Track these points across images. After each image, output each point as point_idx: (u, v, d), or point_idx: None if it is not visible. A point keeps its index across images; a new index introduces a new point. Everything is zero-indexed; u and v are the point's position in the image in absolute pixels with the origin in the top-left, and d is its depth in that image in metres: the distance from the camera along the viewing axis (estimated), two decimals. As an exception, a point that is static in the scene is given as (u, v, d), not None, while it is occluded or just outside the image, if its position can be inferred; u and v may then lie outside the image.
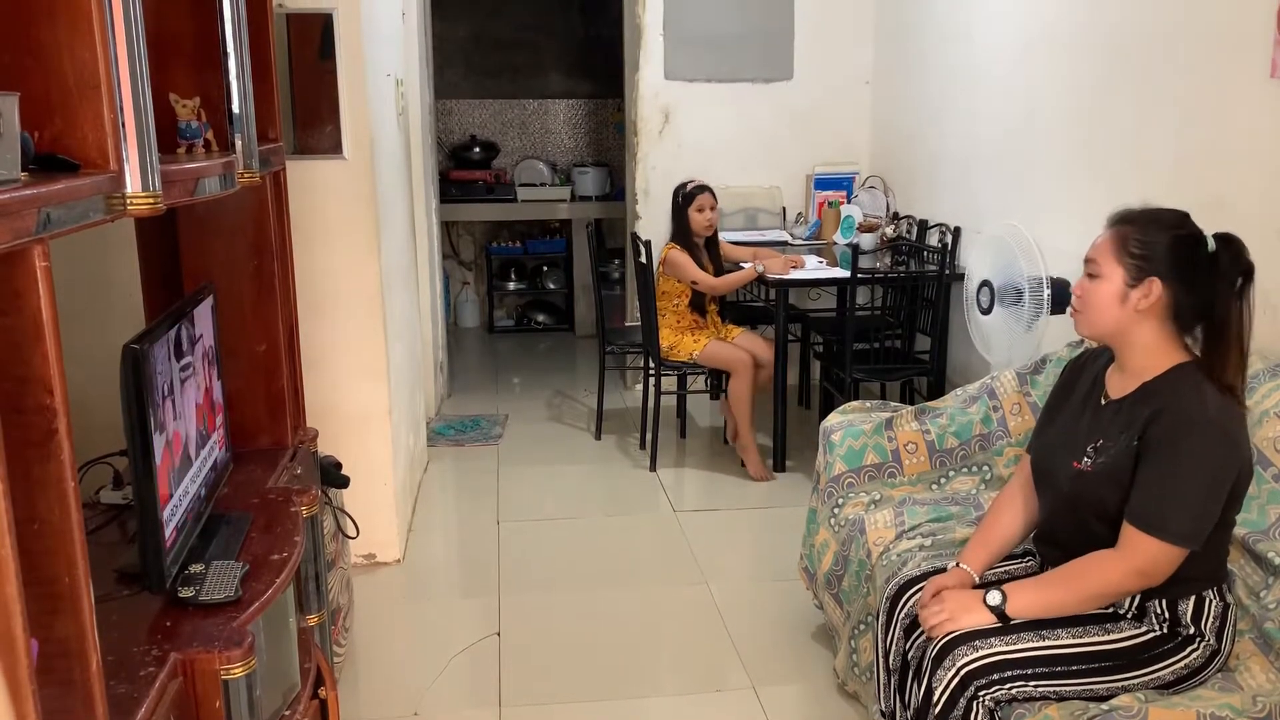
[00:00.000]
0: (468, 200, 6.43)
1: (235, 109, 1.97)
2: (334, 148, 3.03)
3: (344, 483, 2.79)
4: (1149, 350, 1.85)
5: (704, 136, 5.11)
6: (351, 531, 2.80)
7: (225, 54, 1.95)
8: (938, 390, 4.02)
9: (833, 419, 2.96)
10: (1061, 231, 3.31)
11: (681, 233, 4.18)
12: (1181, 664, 1.84)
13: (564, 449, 4.54)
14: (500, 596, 3.21)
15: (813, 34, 5.11)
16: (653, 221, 5.02)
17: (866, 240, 4.55)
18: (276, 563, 1.89)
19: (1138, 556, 1.78)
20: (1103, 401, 1.94)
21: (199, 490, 1.95)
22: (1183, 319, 1.83)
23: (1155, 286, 1.80)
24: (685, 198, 4.18)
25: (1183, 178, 2.82)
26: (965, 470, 2.75)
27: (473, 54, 6.76)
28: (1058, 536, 2.00)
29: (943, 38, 4.40)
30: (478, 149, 6.68)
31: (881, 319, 4.33)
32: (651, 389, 4.32)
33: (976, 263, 3.37)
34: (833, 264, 4.40)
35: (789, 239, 4.99)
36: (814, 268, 4.28)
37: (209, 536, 1.94)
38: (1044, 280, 3.08)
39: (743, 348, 4.16)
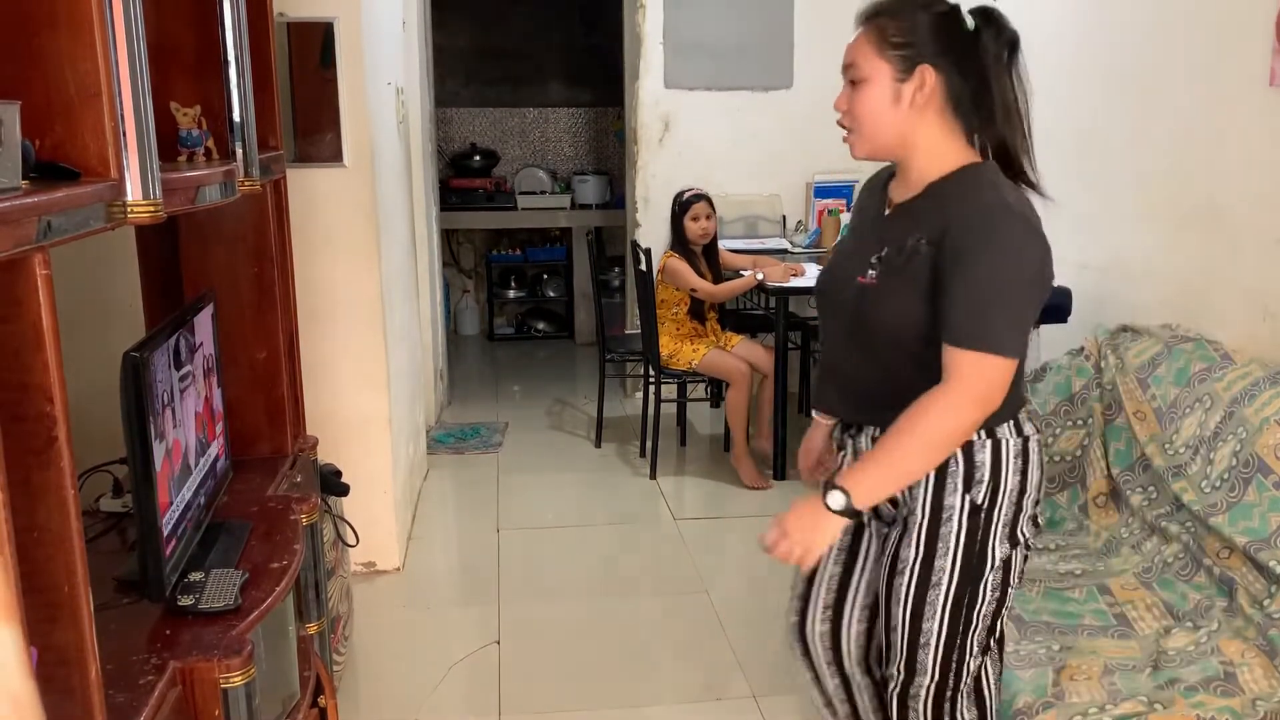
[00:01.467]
0: (468, 208, 6.43)
1: (236, 117, 1.97)
2: (334, 156, 3.04)
3: (344, 491, 2.78)
4: (933, 152, 1.62)
5: (704, 145, 5.11)
6: (351, 540, 2.79)
7: (226, 62, 1.96)
8: (938, 398, 4.01)
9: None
10: (1060, 240, 3.30)
11: (679, 241, 4.19)
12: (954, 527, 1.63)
13: (564, 457, 4.54)
14: (500, 605, 3.21)
15: (812, 42, 5.12)
16: (653, 229, 5.02)
17: (866, 248, 4.54)
18: (276, 571, 1.89)
19: (970, 380, 1.51)
20: (885, 212, 1.70)
21: (198, 498, 1.95)
22: (963, 108, 1.61)
23: (928, 74, 1.57)
24: (681, 206, 4.19)
25: (1181, 185, 2.82)
26: (965, 478, 2.75)
27: (473, 62, 6.77)
28: (843, 371, 1.74)
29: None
30: (478, 157, 6.69)
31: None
32: (651, 397, 4.32)
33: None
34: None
35: (789, 247, 4.99)
36: (814, 276, 4.28)
37: (208, 544, 1.94)
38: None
39: (742, 356, 4.16)
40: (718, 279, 4.22)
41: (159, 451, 1.69)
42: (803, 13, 5.09)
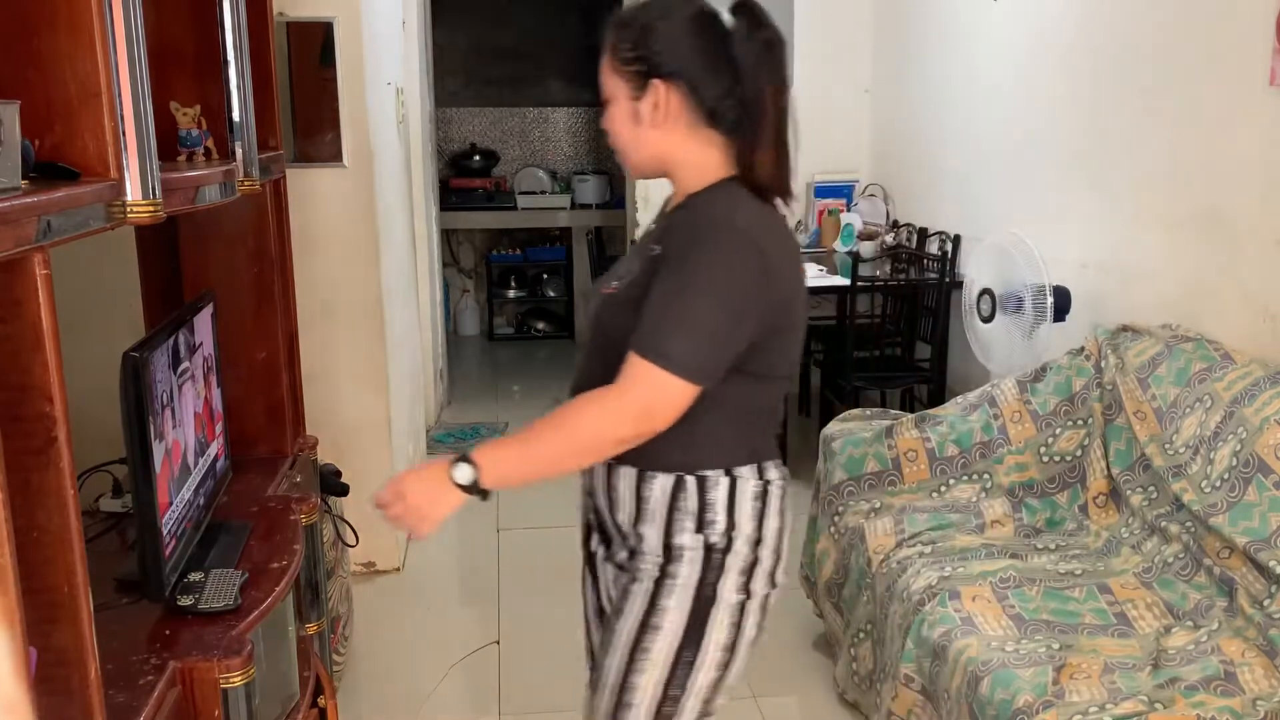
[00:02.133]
0: (468, 208, 6.43)
1: (235, 117, 1.97)
2: (334, 156, 3.04)
3: (343, 491, 2.78)
4: (692, 167, 1.48)
5: (704, 145, 5.11)
6: (351, 540, 2.79)
7: (226, 62, 1.96)
8: (938, 398, 4.01)
9: (833, 427, 2.96)
10: (1060, 240, 3.31)
11: None
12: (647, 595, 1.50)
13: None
14: (500, 605, 3.21)
15: (812, 42, 5.11)
16: (653, 229, 5.02)
17: (866, 248, 4.56)
18: (276, 571, 1.89)
19: (635, 388, 1.37)
20: (652, 227, 1.59)
21: (198, 498, 1.95)
22: (718, 117, 1.45)
23: (661, 90, 1.43)
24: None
25: (1181, 186, 2.82)
26: (966, 478, 2.75)
27: (473, 62, 6.77)
28: (577, 383, 1.55)
29: (942, 46, 4.41)
30: (478, 157, 6.69)
31: (881, 327, 4.33)
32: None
33: (976, 270, 3.37)
34: (833, 272, 4.40)
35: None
36: (814, 276, 4.28)
37: (208, 544, 1.94)
38: (1047, 288, 3.08)
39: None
40: None
41: (159, 451, 1.69)
42: (802, 13, 5.09)
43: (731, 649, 1.52)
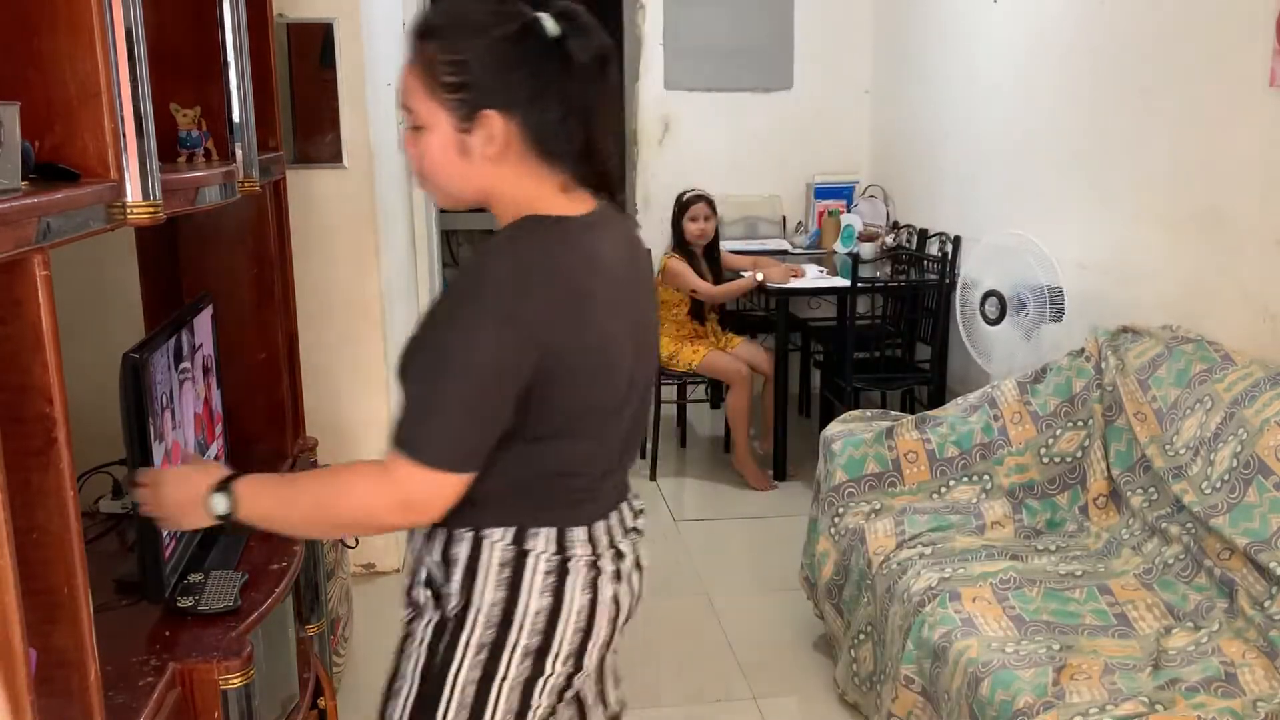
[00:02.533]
0: (468, 209, 6.42)
1: (236, 118, 1.97)
2: (334, 157, 3.04)
3: (344, 492, 2.77)
4: (519, 202, 1.31)
5: (704, 146, 5.12)
6: (350, 541, 2.79)
7: (226, 63, 1.96)
8: (938, 399, 4.02)
9: (833, 428, 2.96)
10: (1060, 240, 3.31)
11: (679, 242, 4.19)
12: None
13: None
14: (500, 606, 3.20)
15: (812, 44, 5.12)
16: (653, 231, 5.01)
17: (866, 249, 4.56)
18: (275, 572, 1.89)
19: (393, 482, 1.23)
20: None
21: (198, 499, 1.95)
22: (551, 145, 1.28)
23: (495, 122, 1.25)
24: (680, 207, 4.19)
25: (1181, 186, 2.82)
26: (966, 479, 2.75)
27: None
28: None
29: (942, 47, 4.41)
30: (478, 158, 6.69)
31: (882, 328, 4.33)
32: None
33: (980, 272, 3.36)
34: (833, 273, 4.40)
35: (789, 248, 4.99)
36: (814, 277, 4.29)
37: (208, 546, 1.94)
38: (1061, 290, 3.07)
39: (742, 358, 4.16)
40: (718, 280, 4.22)
41: (158, 452, 1.68)
42: (803, 14, 5.10)
43: None
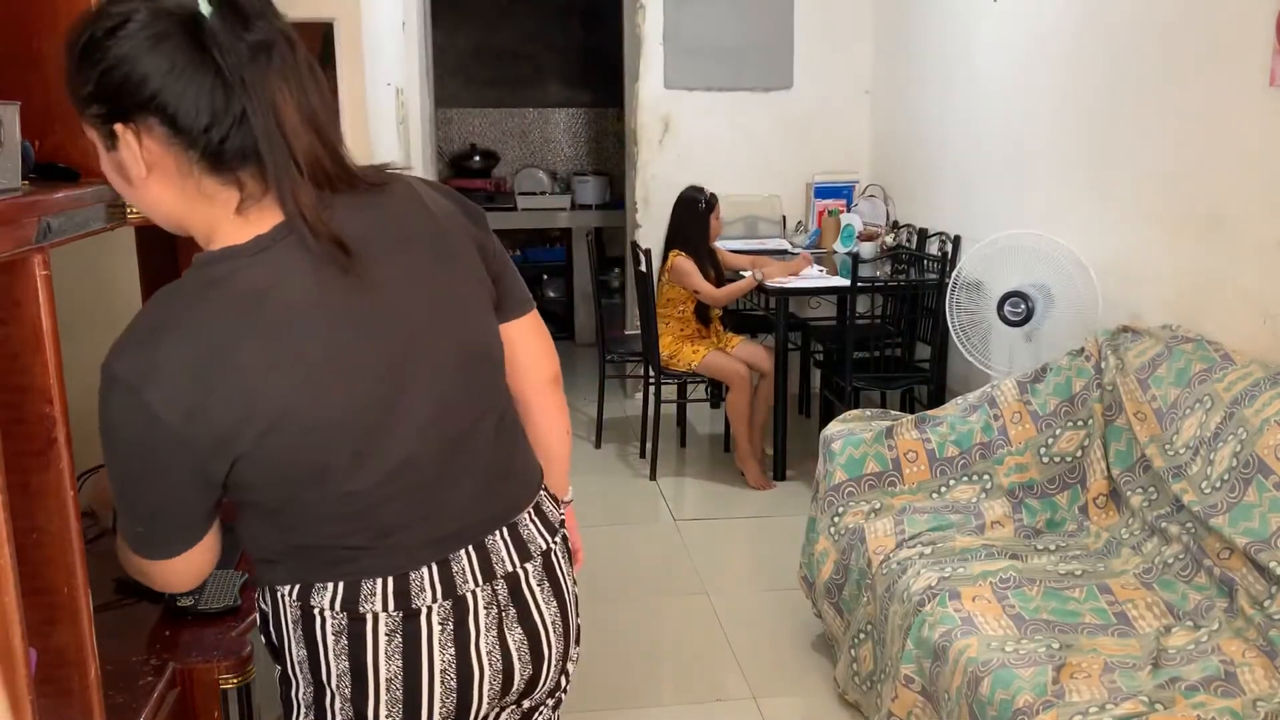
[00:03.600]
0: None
1: (236, 118, 1.97)
2: (334, 156, 3.04)
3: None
4: (199, 230, 1.11)
5: (704, 145, 5.12)
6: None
7: (226, 63, 1.95)
8: (938, 399, 4.02)
9: (833, 427, 2.96)
10: (1061, 239, 3.31)
11: (700, 239, 4.16)
12: None
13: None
14: (500, 606, 3.21)
15: (812, 43, 5.12)
16: (653, 230, 5.02)
17: (866, 249, 4.56)
18: (276, 572, 1.88)
19: (125, 563, 1.20)
20: None
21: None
22: (216, 157, 1.04)
23: (128, 136, 1.04)
24: (708, 205, 4.17)
25: (1181, 186, 2.82)
26: (966, 479, 2.75)
27: (473, 63, 6.77)
28: None
29: (942, 47, 4.41)
30: (478, 158, 6.69)
31: (881, 328, 4.33)
32: (651, 398, 4.32)
33: (987, 272, 3.34)
34: (833, 273, 4.40)
35: (789, 247, 4.99)
36: (814, 276, 4.29)
37: (208, 545, 1.94)
38: (1096, 285, 3.08)
39: (742, 357, 4.16)
40: (719, 279, 4.22)
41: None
42: (803, 13, 5.10)
43: None
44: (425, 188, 1.21)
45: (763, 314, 4.89)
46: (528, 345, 1.34)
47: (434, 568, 1.18)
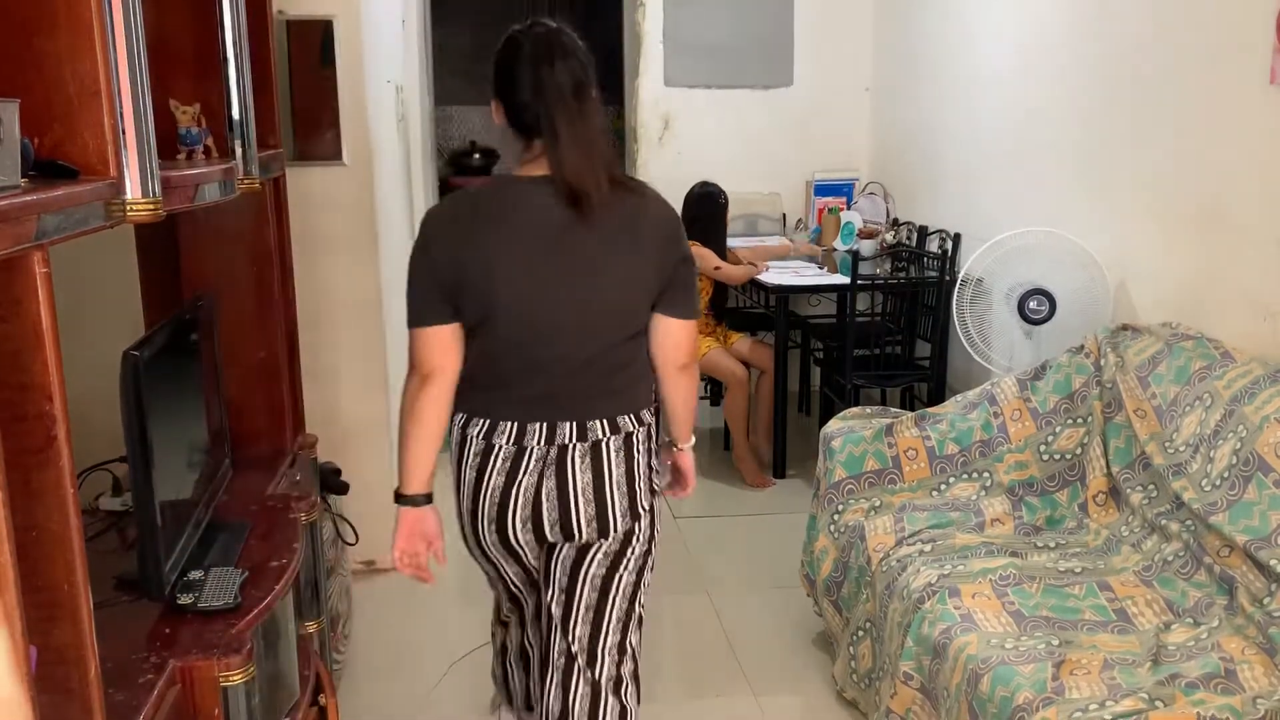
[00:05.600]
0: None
1: (235, 115, 1.97)
2: (334, 154, 3.04)
3: (343, 489, 2.78)
4: (511, 163, 1.98)
5: (704, 143, 5.11)
6: (351, 538, 2.79)
7: (225, 60, 1.95)
8: (938, 396, 4.02)
9: (833, 425, 2.96)
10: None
11: (718, 233, 4.18)
12: None
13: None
14: (500, 603, 3.21)
15: (812, 41, 5.12)
16: (653, 228, 5.02)
17: (866, 246, 4.56)
18: (275, 569, 1.89)
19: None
20: None
21: (198, 497, 1.95)
22: (515, 122, 1.82)
23: (495, 104, 1.85)
24: (727, 200, 4.21)
25: (1182, 184, 2.82)
26: (965, 476, 2.75)
27: (473, 60, 6.76)
28: None
29: (943, 45, 4.41)
30: (477, 155, 6.69)
31: (882, 325, 4.33)
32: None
33: (1003, 269, 3.31)
34: (833, 270, 4.40)
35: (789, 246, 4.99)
36: (814, 274, 4.29)
37: (208, 543, 1.94)
38: (1108, 281, 3.08)
39: (742, 354, 4.16)
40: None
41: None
42: (803, 12, 5.09)
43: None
44: (658, 207, 1.84)
45: (763, 311, 4.89)
46: (676, 338, 1.87)
47: (529, 426, 1.81)
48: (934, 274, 4.10)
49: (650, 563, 1.95)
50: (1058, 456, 2.69)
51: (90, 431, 1.84)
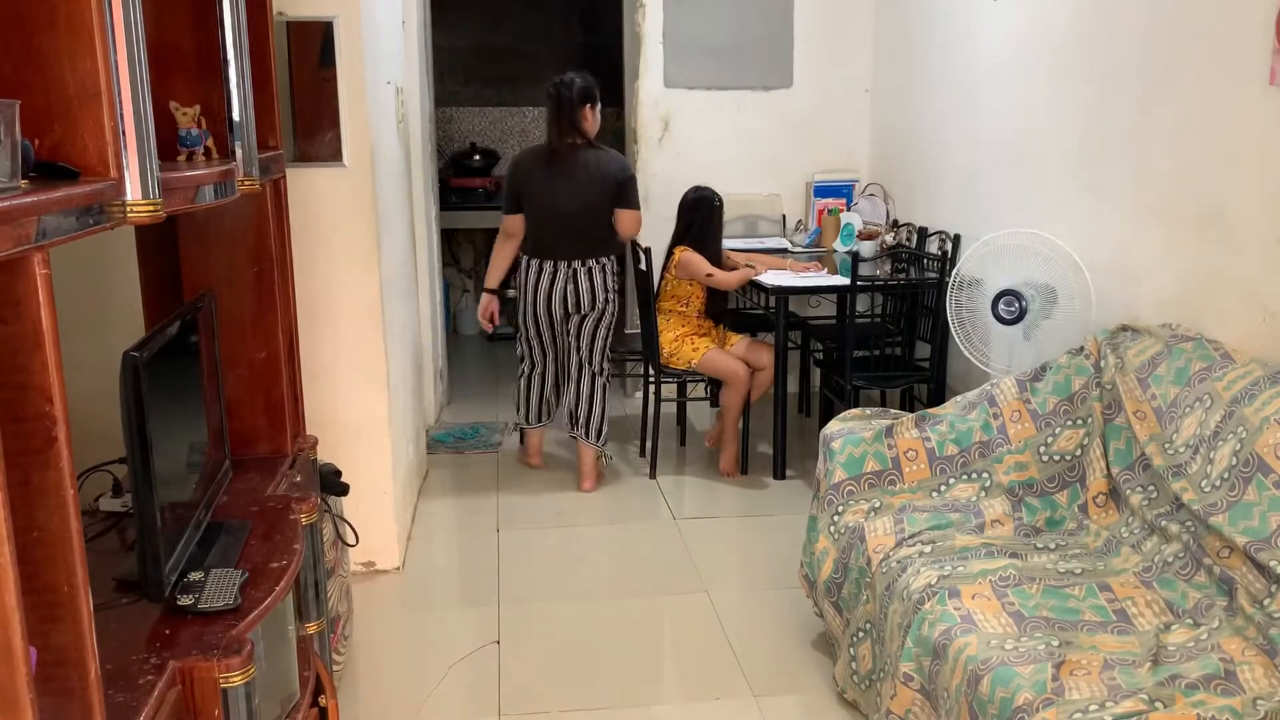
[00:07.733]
0: (468, 208, 6.43)
1: (235, 117, 1.97)
2: (334, 155, 3.04)
3: (343, 490, 2.78)
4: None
5: (704, 144, 5.12)
6: (351, 539, 2.79)
7: (226, 62, 1.96)
8: (938, 397, 4.02)
9: (833, 426, 2.96)
10: (1060, 238, 3.31)
11: (713, 238, 4.19)
12: None
13: (563, 456, 4.54)
14: (500, 604, 3.21)
15: (812, 42, 5.12)
16: (652, 229, 5.01)
17: (866, 248, 4.56)
18: (276, 570, 1.89)
19: None
20: None
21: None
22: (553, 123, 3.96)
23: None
24: (722, 203, 4.22)
25: (1182, 185, 2.82)
26: (965, 477, 2.75)
27: (473, 62, 6.76)
28: None
29: (943, 46, 4.41)
30: (478, 156, 6.68)
31: (881, 326, 4.33)
32: (651, 396, 4.32)
33: (982, 270, 3.35)
34: (832, 271, 4.40)
35: (789, 246, 4.99)
36: (813, 275, 4.28)
37: (208, 544, 1.94)
38: (1089, 283, 3.08)
39: (741, 355, 4.16)
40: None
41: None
42: (803, 13, 5.09)
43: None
44: (609, 157, 4.03)
45: (762, 313, 4.89)
46: (621, 217, 4.01)
47: (547, 259, 4.02)
48: (934, 275, 4.10)
49: (609, 320, 4.07)
50: (1057, 458, 2.69)
51: (90, 432, 1.84)
